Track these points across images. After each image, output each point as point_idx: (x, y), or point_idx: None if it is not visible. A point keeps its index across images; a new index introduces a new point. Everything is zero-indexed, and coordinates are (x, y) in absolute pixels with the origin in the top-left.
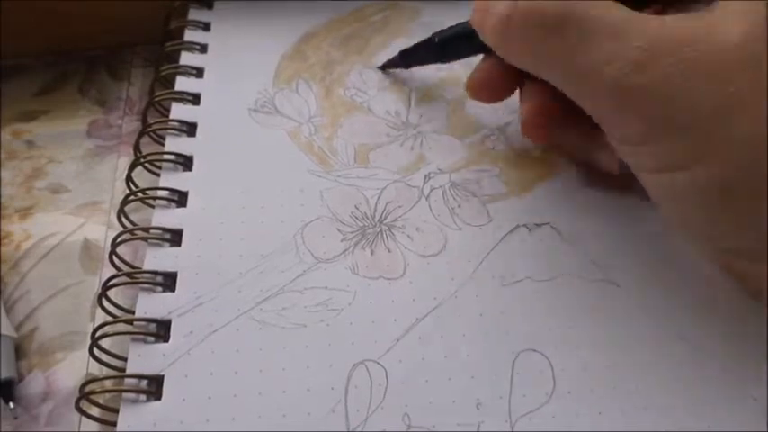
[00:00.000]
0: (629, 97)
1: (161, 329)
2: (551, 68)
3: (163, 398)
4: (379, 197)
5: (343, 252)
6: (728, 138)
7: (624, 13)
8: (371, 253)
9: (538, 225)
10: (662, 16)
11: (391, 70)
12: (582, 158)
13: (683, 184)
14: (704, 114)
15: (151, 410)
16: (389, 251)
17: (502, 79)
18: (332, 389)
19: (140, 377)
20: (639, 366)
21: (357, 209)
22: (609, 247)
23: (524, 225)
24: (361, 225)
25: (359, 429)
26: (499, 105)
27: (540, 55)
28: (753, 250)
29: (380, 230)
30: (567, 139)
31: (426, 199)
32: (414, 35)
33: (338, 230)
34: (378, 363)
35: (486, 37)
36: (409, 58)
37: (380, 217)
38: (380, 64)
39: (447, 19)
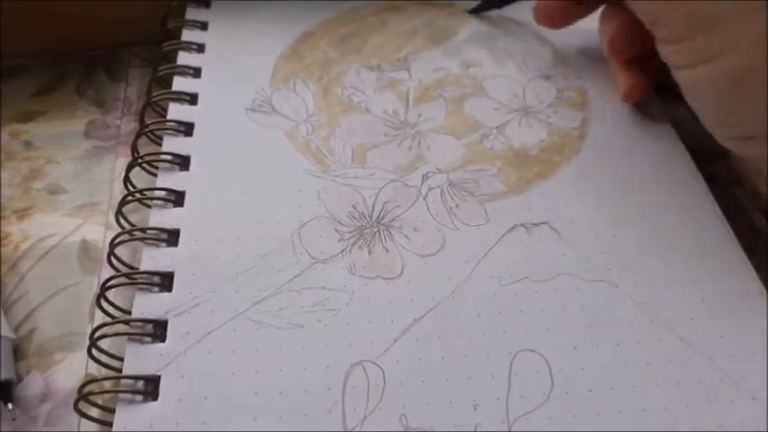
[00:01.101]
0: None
1: (158, 330)
2: None
3: (159, 398)
4: (376, 197)
5: (341, 252)
6: (749, 34)
7: None
8: (369, 253)
9: (536, 225)
10: None
11: (483, 14)
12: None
13: (707, 75)
14: (729, 11)
15: (147, 411)
16: (387, 251)
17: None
18: (329, 389)
19: (137, 378)
20: (637, 367)
21: (355, 209)
22: (607, 248)
23: (522, 225)
24: (359, 225)
25: (356, 430)
26: (498, 105)
27: None
28: (761, 135)
29: (378, 230)
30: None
31: (424, 199)
32: (416, 35)
33: (336, 230)
34: (375, 363)
35: None
36: None
37: (378, 217)
38: (470, 9)
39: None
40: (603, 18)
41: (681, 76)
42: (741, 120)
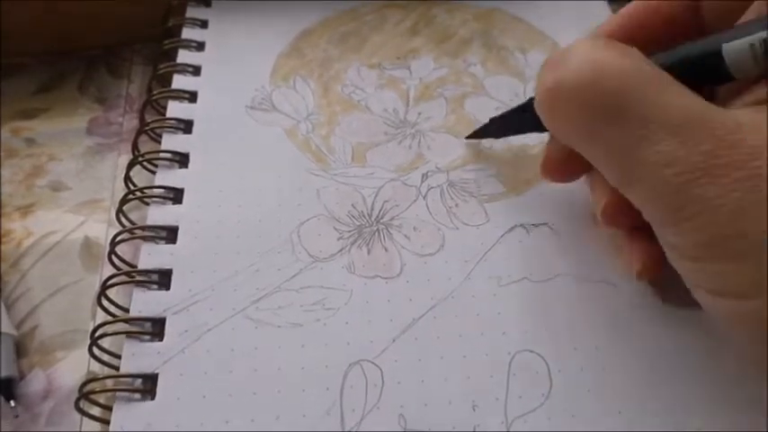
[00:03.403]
0: (688, 207)
1: (156, 327)
2: (605, 157)
3: (157, 397)
4: (376, 196)
5: (340, 251)
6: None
7: (693, 104)
8: (368, 252)
9: (535, 225)
10: (733, 111)
11: (477, 140)
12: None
13: (745, 313)
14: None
15: (145, 410)
16: (386, 250)
17: (573, 158)
18: (327, 389)
19: (135, 376)
20: (637, 367)
21: (354, 207)
22: (607, 248)
23: (522, 225)
24: (358, 224)
25: (354, 430)
26: (498, 104)
27: (591, 138)
28: None
29: (377, 229)
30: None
31: (424, 198)
32: (419, 35)
33: (335, 229)
34: (373, 363)
35: (536, 106)
36: (501, 126)
37: (377, 216)
38: (466, 136)
39: (444, 19)
40: (592, 180)
41: (703, 300)
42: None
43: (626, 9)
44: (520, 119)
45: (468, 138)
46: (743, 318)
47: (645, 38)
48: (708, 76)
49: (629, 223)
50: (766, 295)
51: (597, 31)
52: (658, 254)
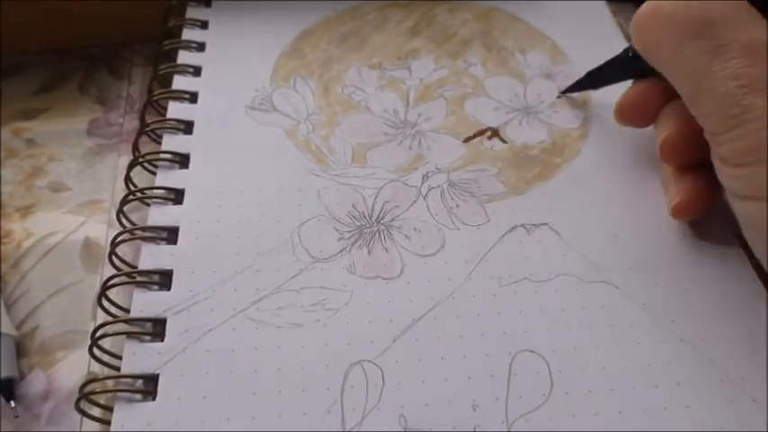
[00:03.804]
0: (741, 115)
1: (156, 328)
2: (684, 70)
3: (158, 397)
4: (376, 196)
5: (340, 251)
6: None
7: (764, 33)
8: (369, 252)
9: (536, 225)
10: None
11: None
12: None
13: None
14: None
15: (146, 410)
16: (387, 251)
17: (652, 102)
18: (328, 389)
19: (136, 377)
20: (637, 368)
21: (354, 208)
22: (607, 248)
23: (522, 225)
24: (359, 224)
25: (355, 430)
26: (497, 104)
27: (677, 53)
28: None
29: (378, 230)
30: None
31: (424, 198)
32: (419, 36)
33: (335, 230)
34: (374, 363)
35: (633, 33)
36: (598, 76)
37: (378, 216)
38: (560, 91)
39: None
40: (661, 115)
41: (735, 207)
42: None
43: None
44: (615, 69)
45: (564, 92)
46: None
47: None
48: None
49: (682, 161)
50: None
51: None
52: (698, 194)
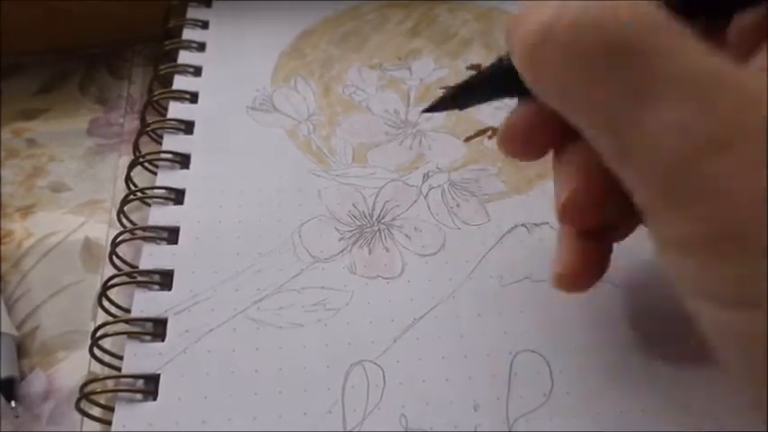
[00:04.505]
0: (695, 186)
1: (157, 328)
2: (599, 119)
3: (159, 397)
4: (377, 196)
5: (341, 251)
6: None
7: (717, 62)
8: (369, 252)
9: (537, 225)
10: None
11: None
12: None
13: (756, 326)
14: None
15: (147, 410)
16: (387, 250)
17: (543, 131)
18: (329, 389)
19: (136, 377)
20: (638, 367)
21: (355, 208)
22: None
23: (523, 225)
24: (359, 224)
25: (356, 430)
26: (500, 104)
27: (586, 95)
28: None
29: (379, 230)
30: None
31: (425, 198)
32: (420, 36)
33: (336, 229)
34: (375, 363)
35: (514, 53)
36: (466, 95)
37: (379, 216)
38: (422, 110)
39: (446, 19)
40: (562, 162)
41: (700, 310)
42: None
43: None
44: (485, 86)
45: (425, 111)
46: (748, 334)
47: None
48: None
49: (587, 225)
50: None
51: None
52: (589, 272)
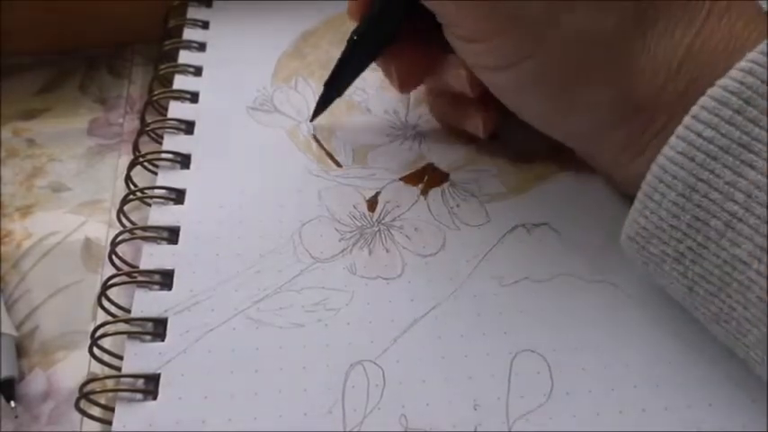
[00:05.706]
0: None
1: (157, 328)
2: None
3: (159, 397)
4: (377, 197)
5: (341, 252)
6: (554, 36)
7: None
8: (369, 253)
9: (536, 225)
10: None
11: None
12: (456, 126)
13: (515, 78)
14: (535, 12)
15: (147, 410)
16: (387, 251)
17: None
18: (329, 389)
19: (137, 376)
20: (637, 367)
21: (355, 208)
22: (607, 248)
23: (523, 225)
24: (360, 225)
25: (356, 430)
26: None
27: None
28: (583, 134)
29: (379, 230)
30: (442, 107)
31: (425, 198)
32: None
33: (336, 230)
34: (375, 363)
35: None
36: (339, 82)
37: (379, 217)
38: (310, 120)
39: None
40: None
41: (487, 78)
42: (561, 116)
43: None
44: (352, 65)
45: (313, 119)
46: (516, 82)
47: None
48: None
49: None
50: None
51: None
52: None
